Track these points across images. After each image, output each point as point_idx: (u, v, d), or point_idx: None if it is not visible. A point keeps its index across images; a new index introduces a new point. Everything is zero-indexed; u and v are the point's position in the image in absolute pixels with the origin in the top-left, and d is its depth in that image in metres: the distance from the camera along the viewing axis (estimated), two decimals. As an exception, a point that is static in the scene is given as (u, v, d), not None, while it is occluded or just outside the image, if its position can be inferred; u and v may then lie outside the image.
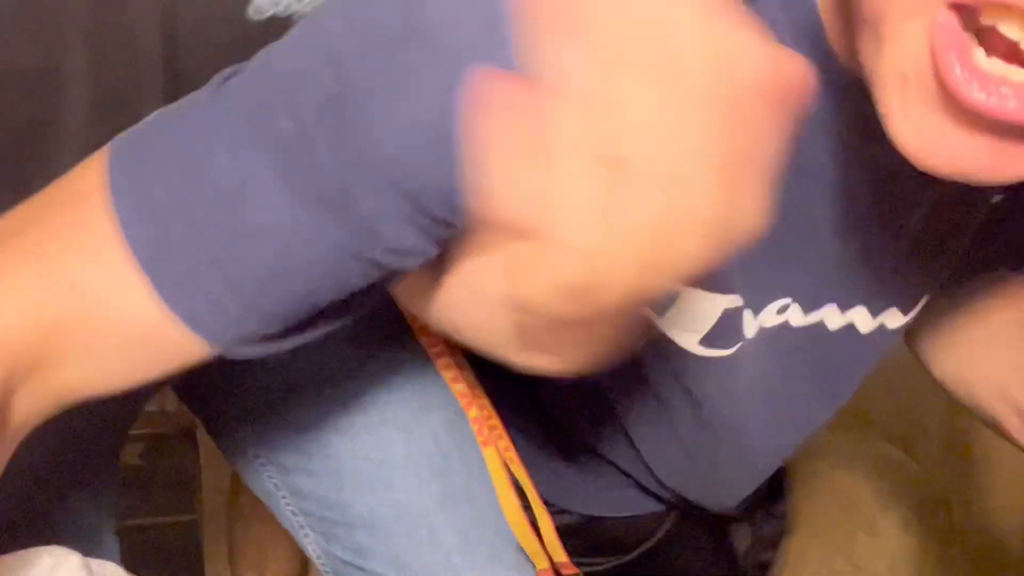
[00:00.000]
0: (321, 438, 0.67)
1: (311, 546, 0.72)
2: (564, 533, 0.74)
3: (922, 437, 1.33)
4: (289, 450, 0.68)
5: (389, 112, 0.39)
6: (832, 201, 0.51)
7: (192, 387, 0.72)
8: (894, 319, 0.60)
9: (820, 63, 0.44)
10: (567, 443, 0.74)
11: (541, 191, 0.32)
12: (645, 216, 0.32)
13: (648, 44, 0.32)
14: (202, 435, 0.98)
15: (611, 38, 0.32)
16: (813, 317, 0.58)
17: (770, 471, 0.70)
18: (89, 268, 0.42)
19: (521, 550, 0.69)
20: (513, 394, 0.72)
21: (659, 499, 0.75)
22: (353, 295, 0.44)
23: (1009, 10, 0.35)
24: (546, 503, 0.73)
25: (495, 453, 0.70)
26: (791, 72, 0.33)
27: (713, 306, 0.53)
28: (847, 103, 0.43)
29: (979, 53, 0.36)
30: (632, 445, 0.68)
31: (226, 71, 0.43)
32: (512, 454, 0.71)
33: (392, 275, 0.44)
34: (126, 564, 0.55)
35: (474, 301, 0.44)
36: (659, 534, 0.79)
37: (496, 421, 0.70)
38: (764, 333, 0.57)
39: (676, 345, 0.55)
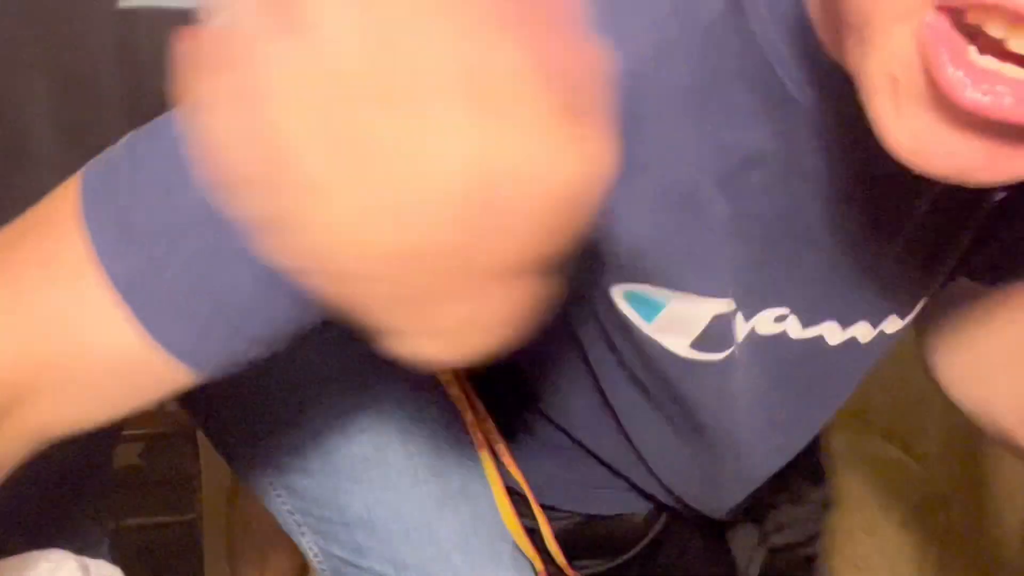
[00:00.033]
0: (318, 438, 0.67)
1: (309, 545, 0.72)
2: (557, 535, 0.74)
3: (922, 437, 1.32)
4: (286, 449, 0.68)
5: None
6: (826, 203, 0.50)
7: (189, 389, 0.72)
8: (893, 325, 0.59)
9: (809, 59, 0.44)
10: (562, 444, 0.74)
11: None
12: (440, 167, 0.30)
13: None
14: (202, 435, 0.98)
15: None
16: (812, 332, 0.57)
17: (765, 476, 0.69)
18: (66, 300, 0.41)
19: (519, 549, 0.69)
20: (508, 396, 0.72)
21: (656, 501, 0.75)
22: None
23: (991, 11, 0.35)
24: (542, 505, 0.74)
25: (489, 457, 0.70)
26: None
27: (703, 310, 0.53)
28: (840, 102, 0.43)
29: (972, 50, 0.36)
30: (632, 447, 0.68)
31: None
32: (508, 458, 0.71)
33: None
34: (126, 564, 0.55)
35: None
36: (651, 534, 0.79)
37: (490, 424, 0.70)
38: (759, 339, 0.56)
39: (666, 350, 0.55)
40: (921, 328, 0.67)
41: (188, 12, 0.48)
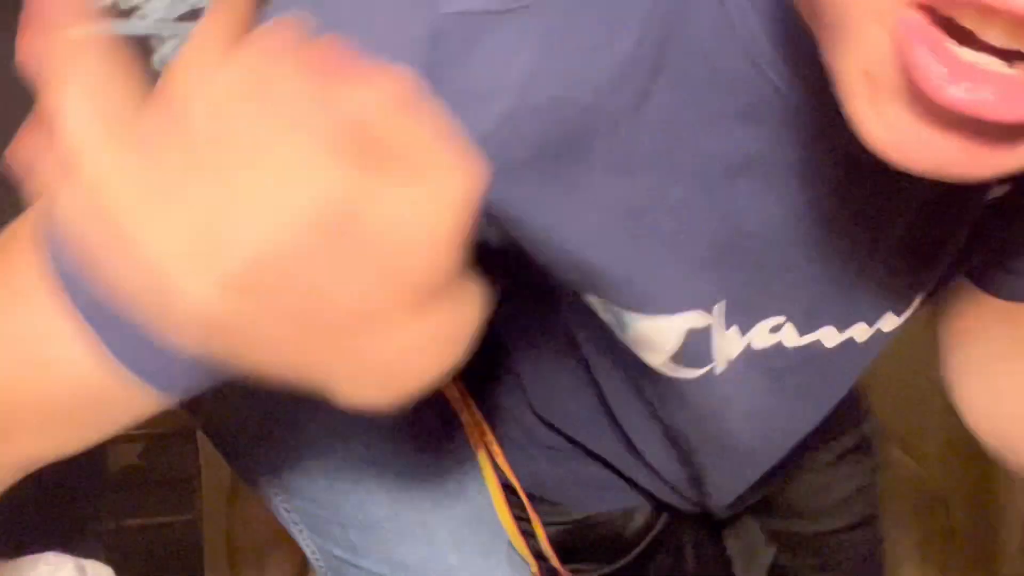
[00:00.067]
0: (314, 438, 0.67)
1: (307, 543, 0.72)
2: (554, 539, 0.74)
3: (922, 437, 1.33)
4: (283, 449, 0.68)
5: None
6: (819, 205, 0.50)
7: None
8: (890, 323, 0.58)
9: (793, 50, 0.43)
10: (558, 445, 0.74)
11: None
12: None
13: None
14: (201, 434, 0.98)
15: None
16: (809, 338, 0.57)
17: (759, 474, 0.69)
18: (26, 329, 0.39)
19: (515, 549, 0.69)
20: (504, 398, 0.72)
21: (655, 498, 0.75)
22: None
23: (966, 6, 0.34)
24: (539, 502, 0.74)
25: (486, 457, 0.70)
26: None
27: (673, 326, 0.52)
28: (825, 95, 0.41)
29: (950, 43, 0.35)
30: (631, 446, 0.68)
31: None
32: (503, 459, 0.71)
33: None
34: (126, 564, 0.56)
35: None
36: (648, 538, 0.79)
37: (486, 426, 0.70)
38: (754, 353, 0.56)
39: (646, 363, 0.54)
40: (944, 359, 0.66)
41: (125, 41, 0.48)
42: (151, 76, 0.50)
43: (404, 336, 0.35)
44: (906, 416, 1.30)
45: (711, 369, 0.54)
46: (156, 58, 0.50)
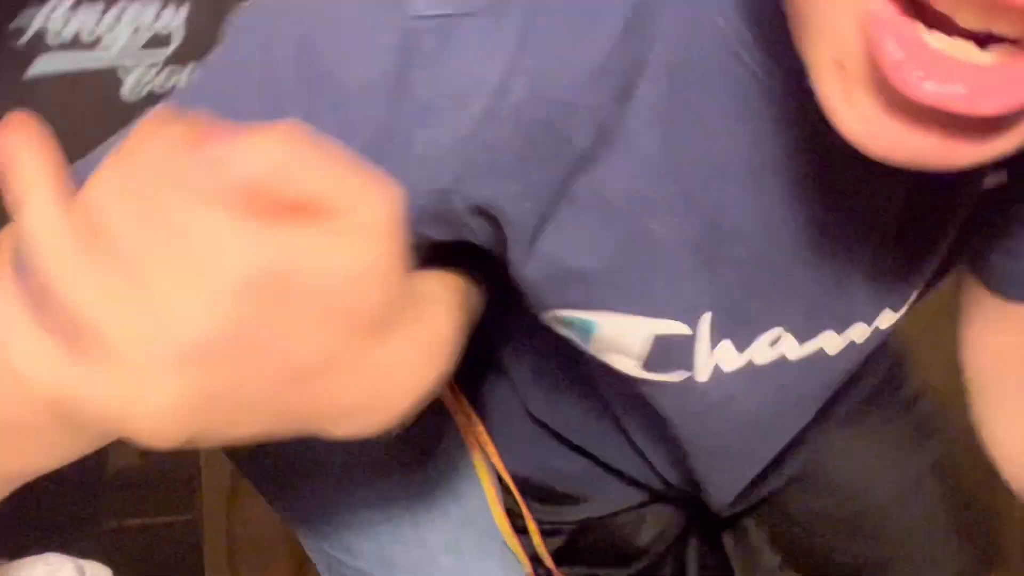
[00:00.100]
0: (307, 440, 0.67)
1: (306, 542, 0.72)
2: (552, 546, 0.74)
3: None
4: (280, 450, 0.68)
5: None
6: (808, 205, 0.49)
7: None
8: (887, 320, 0.58)
9: (771, 42, 0.42)
10: (554, 446, 0.75)
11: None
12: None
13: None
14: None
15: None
16: (811, 347, 0.56)
17: (756, 471, 0.69)
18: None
19: (509, 550, 0.69)
20: (498, 397, 0.72)
21: (655, 492, 0.75)
22: None
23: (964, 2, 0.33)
24: (538, 499, 0.74)
25: (481, 458, 0.70)
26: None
27: (640, 331, 0.51)
28: (807, 87, 0.39)
29: (920, 28, 0.34)
30: (628, 441, 0.68)
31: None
32: (498, 460, 0.71)
33: None
34: (126, 564, 0.55)
35: None
36: (651, 548, 0.79)
37: (480, 427, 0.70)
38: (757, 370, 0.55)
39: (619, 370, 0.54)
40: (974, 400, 0.65)
41: (93, 73, 0.49)
42: (121, 108, 0.50)
43: (373, 367, 0.36)
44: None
45: (689, 378, 0.53)
46: (124, 90, 0.50)
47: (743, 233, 0.48)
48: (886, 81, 0.34)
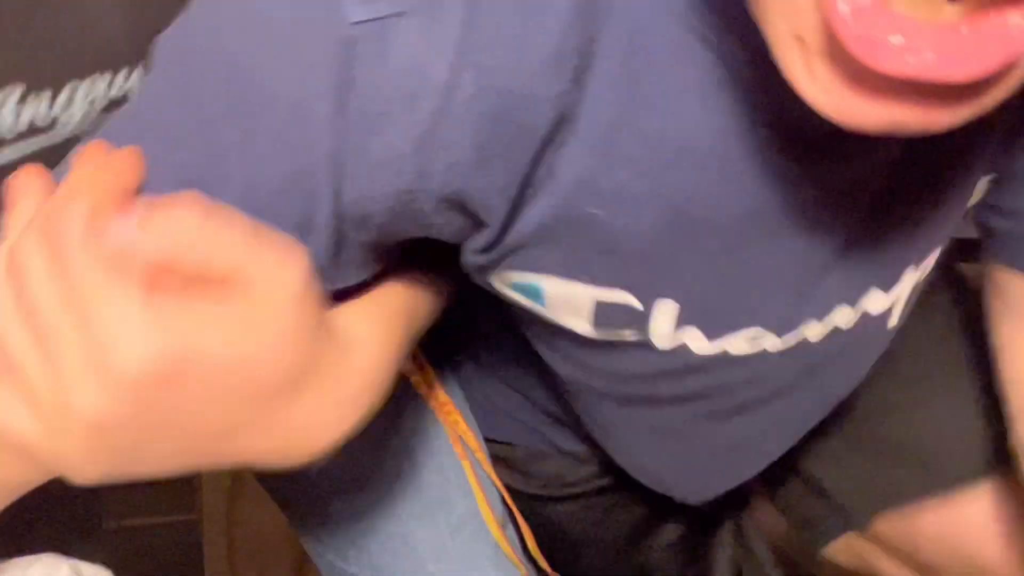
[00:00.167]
0: None
1: (304, 540, 0.73)
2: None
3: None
4: None
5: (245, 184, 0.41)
6: (773, 190, 0.46)
7: None
8: (876, 301, 0.54)
9: (730, 17, 0.40)
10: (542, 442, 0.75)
11: None
12: None
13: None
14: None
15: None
16: (793, 338, 0.54)
17: (753, 471, 0.68)
18: None
19: (502, 555, 0.69)
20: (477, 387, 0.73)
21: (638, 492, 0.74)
22: None
23: None
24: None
25: (469, 466, 0.70)
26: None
27: (582, 293, 0.49)
28: (769, 63, 0.37)
29: None
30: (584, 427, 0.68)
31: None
32: (488, 466, 0.71)
33: None
34: (126, 564, 0.55)
35: None
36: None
37: (471, 434, 0.71)
38: (734, 359, 0.53)
39: (575, 332, 0.52)
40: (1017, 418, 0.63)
41: (56, 146, 0.49)
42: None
43: (282, 425, 0.38)
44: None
45: (645, 341, 0.52)
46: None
47: (713, 224, 0.46)
48: (848, 53, 0.32)
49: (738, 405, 0.58)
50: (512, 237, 0.45)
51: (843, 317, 0.54)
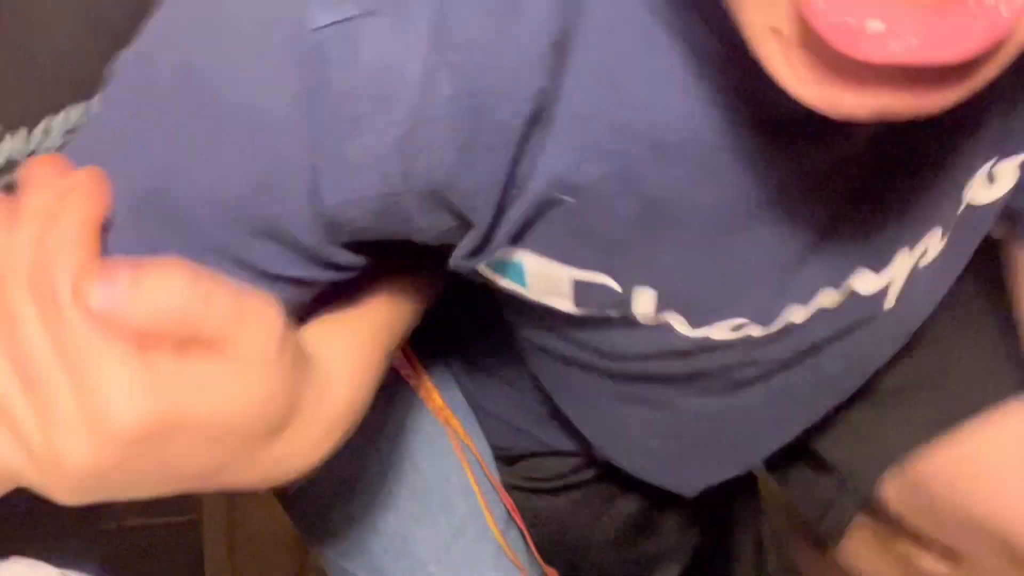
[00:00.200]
0: None
1: (308, 541, 0.73)
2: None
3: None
4: None
5: (207, 189, 0.41)
6: (755, 179, 0.45)
7: None
8: (865, 282, 0.52)
9: (709, 11, 0.38)
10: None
11: None
12: None
13: None
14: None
15: None
16: (777, 325, 0.53)
17: (750, 459, 0.68)
18: None
19: (504, 557, 0.69)
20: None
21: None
22: None
23: None
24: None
25: (469, 468, 0.70)
26: None
27: (559, 271, 0.48)
28: (745, 53, 0.35)
29: None
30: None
31: None
32: (488, 470, 0.71)
33: None
34: (126, 564, 0.55)
35: None
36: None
37: (470, 440, 0.71)
38: (716, 343, 0.53)
39: (560, 311, 0.51)
40: None
41: None
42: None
43: (263, 461, 0.40)
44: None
45: (627, 317, 0.51)
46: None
47: (691, 214, 0.46)
48: (827, 43, 0.31)
49: (732, 382, 0.58)
50: (500, 236, 0.45)
51: (828, 299, 0.53)
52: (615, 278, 0.48)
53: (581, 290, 0.49)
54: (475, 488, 0.69)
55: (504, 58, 0.39)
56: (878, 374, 0.66)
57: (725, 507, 0.81)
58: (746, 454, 0.68)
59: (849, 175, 0.47)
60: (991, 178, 0.53)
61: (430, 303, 0.54)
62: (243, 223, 0.41)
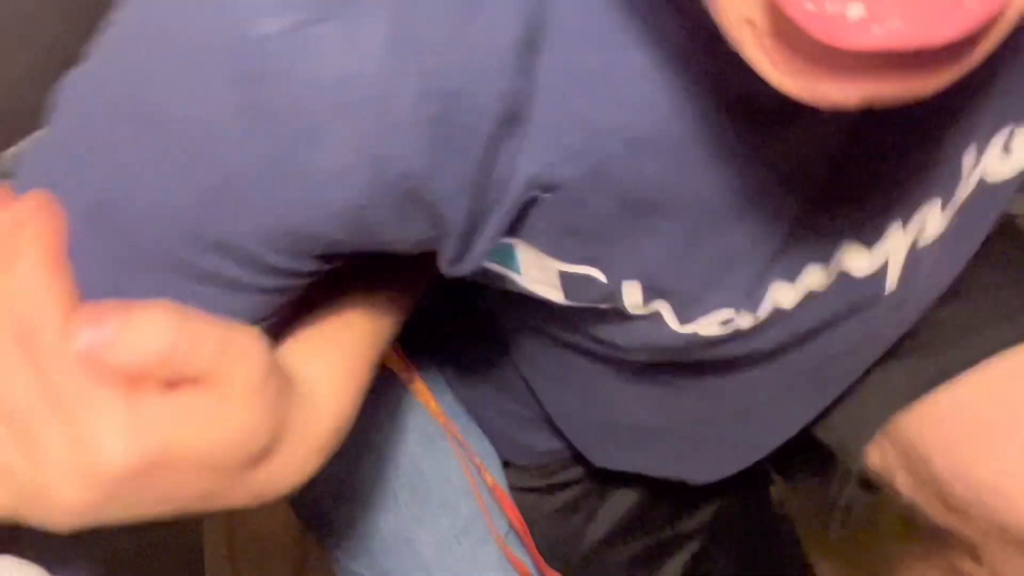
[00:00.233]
0: None
1: (316, 540, 0.73)
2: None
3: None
4: None
5: (156, 207, 0.40)
6: (732, 169, 0.44)
7: None
8: (855, 259, 0.51)
9: (686, 8, 0.36)
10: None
11: None
12: None
13: None
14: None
15: None
16: (764, 311, 0.51)
17: (753, 452, 0.68)
18: None
19: (507, 559, 0.69)
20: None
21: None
22: None
23: None
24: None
25: (469, 473, 0.70)
26: None
27: (545, 262, 0.47)
28: (720, 42, 0.34)
29: None
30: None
31: None
32: (489, 475, 0.71)
33: None
34: (126, 564, 0.55)
35: None
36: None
37: (468, 446, 0.71)
38: (705, 339, 0.52)
39: (550, 301, 0.50)
40: None
41: None
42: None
43: (252, 485, 0.41)
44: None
45: (617, 308, 0.50)
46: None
47: (671, 208, 0.45)
48: (805, 33, 0.29)
49: (732, 368, 0.57)
50: (483, 240, 0.44)
51: (816, 278, 0.51)
52: (602, 271, 0.48)
53: (569, 281, 0.48)
54: (475, 492, 0.69)
55: (469, 59, 0.37)
56: None
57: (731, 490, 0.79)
58: (752, 445, 0.67)
59: (832, 153, 0.46)
60: (1007, 149, 0.51)
61: (415, 305, 0.54)
62: (198, 240, 0.40)
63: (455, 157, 0.39)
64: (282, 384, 0.42)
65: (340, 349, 0.47)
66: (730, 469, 0.69)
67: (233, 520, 1.19)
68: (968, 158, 0.50)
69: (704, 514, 0.79)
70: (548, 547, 0.74)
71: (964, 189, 0.52)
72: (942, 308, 0.65)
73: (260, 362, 0.39)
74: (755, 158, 0.44)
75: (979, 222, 0.55)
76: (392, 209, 0.40)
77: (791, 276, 0.50)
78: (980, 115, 0.48)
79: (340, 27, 0.36)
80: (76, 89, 0.41)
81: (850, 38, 0.28)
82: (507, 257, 0.48)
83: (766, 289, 0.50)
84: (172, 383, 0.38)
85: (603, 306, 0.50)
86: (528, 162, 0.41)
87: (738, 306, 0.50)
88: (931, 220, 0.51)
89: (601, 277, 0.48)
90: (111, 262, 0.41)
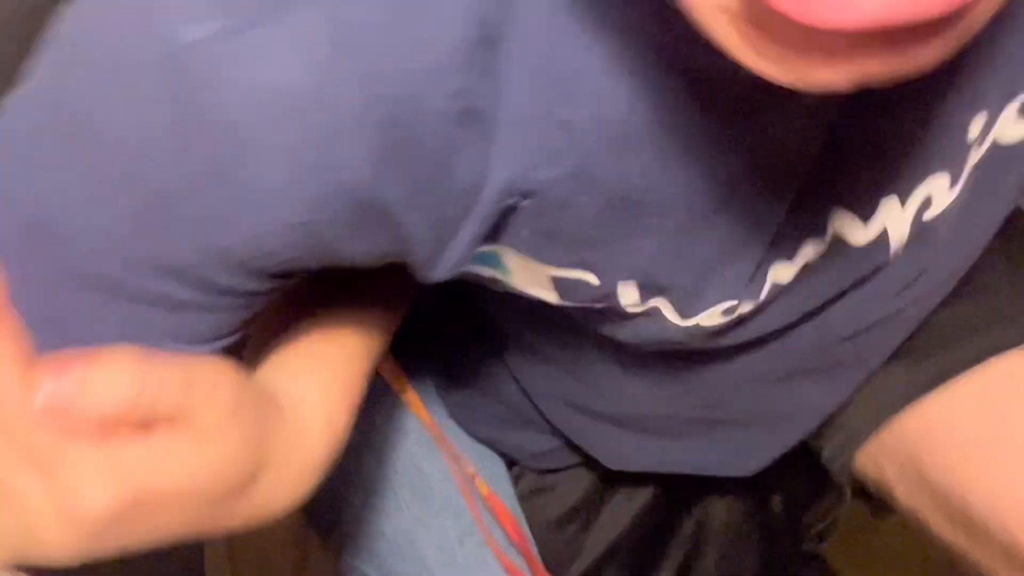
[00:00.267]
0: None
1: (321, 540, 0.73)
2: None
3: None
4: None
5: (90, 224, 0.39)
6: (718, 161, 0.42)
7: None
8: (851, 227, 0.49)
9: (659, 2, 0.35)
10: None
11: None
12: None
13: None
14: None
15: None
16: (765, 292, 0.50)
17: (755, 449, 0.67)
18: None
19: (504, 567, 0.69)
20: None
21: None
22: None
23: None
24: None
25: (461, 480, 0.70)
26: None
27: (535, 267, 0.46)
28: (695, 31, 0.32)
29: None
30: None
31: None
32: (481, 479, 0.71)
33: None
34: (126, 564, 0.55)
35: None
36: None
37: (465, 458, 0.71)
38: (708, 330, 0.51)
39: (545, 302, 0.49)
40: None
41: None
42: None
43: (237, 514, 0.41)
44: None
45: (613, 307, 0.49)
46: None
47: (658, 204, 0.43)
48: (787, 17, 0.27)
49: (736, 352, 0.57)
50: (458, 249, 0.42)
51: (812, 250, 0.50)
52: (594, 274, 0.46)
53: (562, 285, 0.47)
54: (466, 498, 0.69)
55: (414, 61, 0.35)
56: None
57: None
58: (780, 430, 0.66)
59: (824, 131, 0.44)
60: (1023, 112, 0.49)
61: (403, 316, 0.54)
62: (140, 263, 0.39)
63: (408, 163, 0.37)
64: (260, 409, 0.41)
65: (328, 363, 0.47)
66: (760, 460, 0.68)
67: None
68: (975, 126, 0.48)
69: (706, 519, 0.79)
70: (549, 557, 0.74)
71: (974, 156, 0.50)
72: (942, 309, 0.65)
73: (227, 396, 0.39)
74: (742, 146, 0.42)
75: (999, 186, 0.53)
76: (346, 222, 0.38)
77: (790, 255, 0.49)
78: (985, 83, 0.46)
79: (274, 32, 0.34)
80: (15, 108, 0.40)
81: (830, 15, 0.26)
82: (495, 262, 0.47)
83: (766, 274, 0.49)
84: (147, 424, 0.38)
85: (600, 305, 0.49)
86: (502, 166, 0.39)
87: (740, 296, 0.49)
88: (938, 193, 0.50)
89: (594, 280, 0.47)
90: (52, 286, 0.40)
